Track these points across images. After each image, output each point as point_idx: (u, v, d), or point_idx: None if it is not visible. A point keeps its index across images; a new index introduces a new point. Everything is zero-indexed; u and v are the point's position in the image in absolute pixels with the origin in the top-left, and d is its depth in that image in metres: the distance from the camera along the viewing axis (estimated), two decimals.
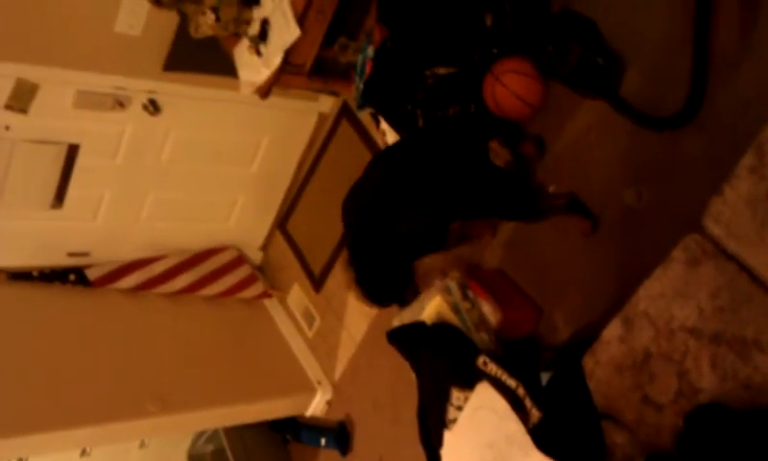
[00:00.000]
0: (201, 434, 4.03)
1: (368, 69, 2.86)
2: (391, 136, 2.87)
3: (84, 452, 3.75)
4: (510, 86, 2.55)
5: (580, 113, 2.48)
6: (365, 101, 2.94)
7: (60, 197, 3.21)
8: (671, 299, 1.82)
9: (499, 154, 2.66)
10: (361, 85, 2.90)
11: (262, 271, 3.96)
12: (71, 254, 3.45)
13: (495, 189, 2.48)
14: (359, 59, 2.90)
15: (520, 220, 2.65)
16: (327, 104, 3.56)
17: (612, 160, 2.37)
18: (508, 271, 2.64)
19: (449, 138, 2.57)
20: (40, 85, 2.85)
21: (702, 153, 2.13)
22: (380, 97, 2.88)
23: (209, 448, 4.04)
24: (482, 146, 2.56)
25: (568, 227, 2.51)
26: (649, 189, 2.24)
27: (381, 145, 3.16)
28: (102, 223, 3.42)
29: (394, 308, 2.64)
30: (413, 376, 2.49)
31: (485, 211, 2.52)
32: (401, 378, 3.10)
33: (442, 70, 2.66)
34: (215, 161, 3.52)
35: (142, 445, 3.90)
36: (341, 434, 3.45)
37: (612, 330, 1.92)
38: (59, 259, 3.44)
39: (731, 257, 1.78)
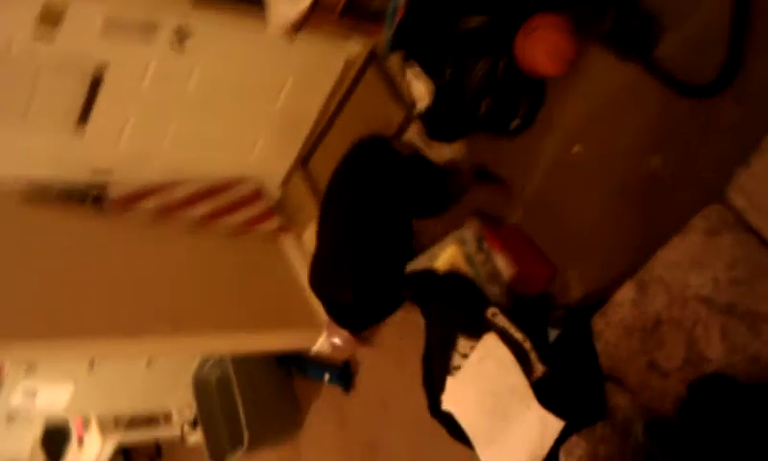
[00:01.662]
0: (207, 360, 4.10)
1: (399, 14, 2.83)
2: (416, 86, 2.85)
3: (91, 366, 3.86)
4: (542, 42, 2.51)
5: (611, 75, 2.43)
6: (395, 46, 2.91)
7: (83, 119, 3.22)
8: (687, 267, 1.82)
9: (405, 148, 2.85)
10: (392, 30, 2.87)
11: (280, 207, 3.97)
12: (92, 174, 3.47)
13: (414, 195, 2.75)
14: (391, 3, 2.86)
15: (436, 213, 2.71)
16: (355, 49, 3.52)
17: (640, 125, 2.34)
18: (526, 227, 2.64)
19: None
20: (68, 8, 2.83)
21: (732, 124, 2.10)
22: (410, 43, 2.85)
23: (215, 374, 4.11)
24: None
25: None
26: (675, 157, 2.21)
27: (406, 96, 3.14)
28: (125, 147, 3.43)
29: None
30: (421, 324, 2.52)
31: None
32: (410, 326, 3.14)
33: (475, 20, 2.63)
34: (240, 96, 3.50)
35: (149, 364, 3.99)
36: (344, 372, 3.51)
37: (626, 293, 1.92)
38: (79, 179, 3.46)
39: (751, 230, 1.77)
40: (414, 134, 3.17)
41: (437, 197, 2.79)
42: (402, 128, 3.26)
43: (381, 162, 2.81)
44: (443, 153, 3.05)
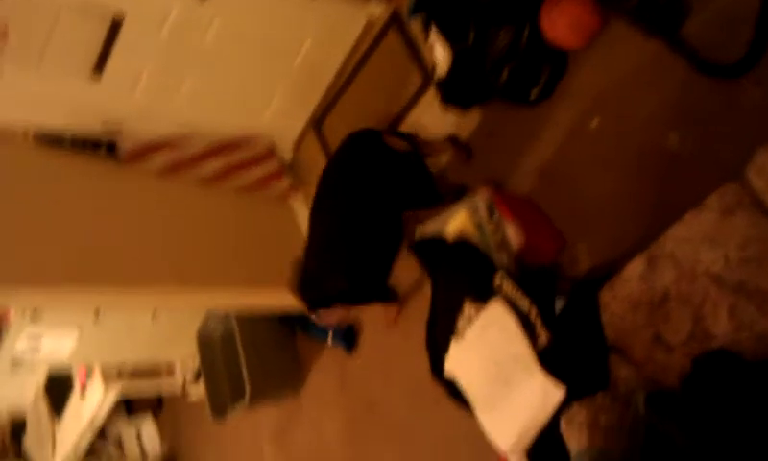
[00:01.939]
0: (212, 316, 4.13)
1: None
2: (438, 50, 2.83)
3: (96, 315, 3.88)
4: (566, 15, 2.50)
5: (635, 51, 2.41)
6: (417, 8, 2.89)
7: (100, 67, 3.21)
8: (699, 244, 1.81)
9: (397, 144, 2.84)
10: None
11: (291, 168, 3.97)
12: (105, 123, 3.47)
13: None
14: None
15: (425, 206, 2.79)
16: (377, 10, 3.49)
17: (661, 102, 2.32)
18: (538, 198, 2.64)
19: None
20: None
21: (755, 105, 2.08)
22: (434, 6, 2.83)
23: (219, 330, 4.15)
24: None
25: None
26: (694, 135, 2.20)
27: (428, 60, 3.12)
28: (140, 97, 3.42)
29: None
30: (427, 290, 2.52)
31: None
32: (415, 291, 3.15)
33: None
34: (258, 51, 3.48)
35: (154, 317, 4.01)
36: (348, 333, 3.53)
37: (635, 267, 1.92)
38: (93, 127, 3.46)
39: (767, 212, 1.76)
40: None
41: (425, 192, 2.81)
42: (419, 93, 3.25)
43: (372, 156, 2.82)
44: (443, 125, 3.06)
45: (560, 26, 2.50)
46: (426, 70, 3.21)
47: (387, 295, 3.12)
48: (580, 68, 2.58)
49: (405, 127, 3.33)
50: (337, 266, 2.85)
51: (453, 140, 3.02)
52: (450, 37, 2.72)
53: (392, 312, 3.24)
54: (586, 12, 2.46)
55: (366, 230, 2.80)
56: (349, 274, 2.84)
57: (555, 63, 2.58)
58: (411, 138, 2.94)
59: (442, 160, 3.08)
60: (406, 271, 3.21)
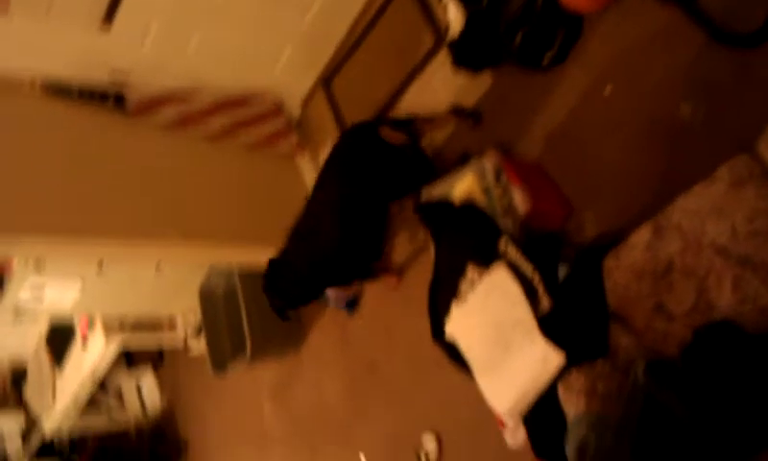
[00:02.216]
0: (214, 272, 4.14)
1: None
2: (452, 10, 2.78)
3: (100, 266, 3.89)
4: None
5: (650, 17, 2.37)
6: None
7: (109, 17, 3.17)
8: (707, 215, 1.80)
9: (393, 137, 2.79)
10: None
11: (299, 126, 3.95)
12: (113, 73, 3.44)
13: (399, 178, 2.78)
14: None
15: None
16: None
17: (674, 71, 2.29)
18: (546, 164, 2.61)
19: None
20: None
21: None
22: None
23: (221, 286, 4.16)
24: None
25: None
26: (707, 106, 2.17)
27: (440, 21, 3.08)
28: (149, 49, 3.38)
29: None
30: (430, 254, 2.52)
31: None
32: (418, 254, 3.15)
33: None
34: (268, 7, 3.43)
35: (157, 270, 4.02)
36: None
37: (641, 236, 1.91)
38: (100, 77, 3.43)
39: None
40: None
41: (422, 181, 2.80)
42: (430, 54, 3.21)
43: (367, 154, 2.80)
44: (452, 89, 3.02)
45: None
46: (439, 31, 3.16)
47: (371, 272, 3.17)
48: (594, 34, 2.54)
49: (411, 93, 3.30)
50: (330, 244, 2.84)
51: (457, 111, 2.99)
52: None
53: (391, 282, 3.24)
54: None
55: (356, 218, 2.79)
56: (339, 255, 2.86)
57: (569, 28, 2.54)
58: (409, 124, 2.89)
59: (445, 132, 3.06)
60: (406, 238, 3.22)
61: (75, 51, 3.26)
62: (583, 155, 2.51)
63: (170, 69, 3.53)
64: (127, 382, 5.40)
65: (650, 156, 2.30)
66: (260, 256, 3.30)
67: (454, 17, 2.77)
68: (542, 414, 2.01)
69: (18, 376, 5.25)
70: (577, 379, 1.88)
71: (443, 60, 3.10)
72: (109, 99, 3.42)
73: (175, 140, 3.56)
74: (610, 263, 1.97)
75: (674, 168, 2.20)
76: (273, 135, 3.83)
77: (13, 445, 5.22)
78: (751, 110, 2.03)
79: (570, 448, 1.77)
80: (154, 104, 3.51)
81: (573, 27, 2.55)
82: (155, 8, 3.22)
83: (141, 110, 3.47)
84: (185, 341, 4.72)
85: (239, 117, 3.73)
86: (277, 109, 3.89)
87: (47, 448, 5.26)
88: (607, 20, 2.49)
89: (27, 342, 4.89)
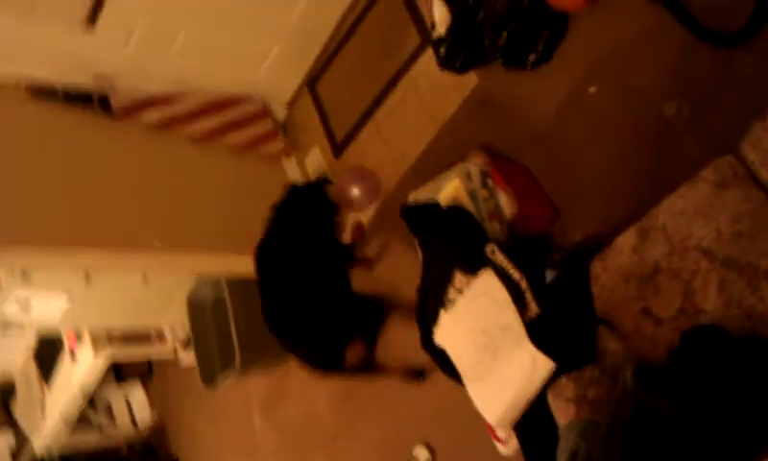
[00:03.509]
0: (203, 282, 4.10)
1: None
2: (437, 10, 2.76)
3: (87, 279, 3.84)
4: None
5: (635, 17, 2.36)
6: None
7: (93, 18, 3.14)
8: (691, 217, 1.79)
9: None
10: None
11: (285, 128, 3.92)
12: (97, 76, 3.40)
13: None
14: None
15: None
16: None
17: (658, 71, 2.28)
18: (532, 167, 2.60)
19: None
20: None
21: (753, 76, 2.04)
22: None
23: (210, 296, 4.11)
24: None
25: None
26: (691, 105, 2.16)
27: (427, 19, 3.05)
28: (133, 50, 3.35)
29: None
30: (417, 260, 2.49)
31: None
32: (405, 261, 3.12)
33: None
34: (253, 7, 3.41)
35: (145, 282, 3.98)
36: None
37: (627, 239, 1.90)
38: (85, 80, 3.39)
39: (761, 186, 1.74)
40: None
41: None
42: (416, 54, 3.19)
43: (314, 210, 2.84)
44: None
45: None
46: (424, 30, 3.14)
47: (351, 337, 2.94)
48: (579, 32, 2.53)
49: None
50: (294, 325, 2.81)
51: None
52: None
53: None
54: None
55: (312, 284, 2.76)
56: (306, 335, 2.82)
57: (554, 27, 2.52)
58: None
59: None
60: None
61: (58, 53, 3.23)
62: (568, 156, 2.50)
63: (155, 70, 3.50)
64: (116, 397, 5.31)
65: (635, 157, 2.28)
66: (247, 265, 3.27)
67: (439, 17, 2.75)
68: (534, 423, 2.00)
69: (6, 393, 5.16)
70: (566, 387, 1.87)
71: (429, 60, 3.07)
72: (94, 102, 3.38)
73: (161, 146, 3.53)
74: (596, 267, 1.95)
75: (659, 169, 2.19)
76: (259, 138, 3.80)
77: None
78: (735, 111, 2.01)
79: (561, 458, 1.75)
80: (139, 106, 3.48)
81: (558, 26, 2.53)
82: (139, 8, 3.20)
83: (127, 113, 3.43)
84: (175, 352, 4.67)
85: (225, 119, 3.70)
86: (263, 111, 3.87)
87: None
88: (592, 19, 2.48)
89: (14, 357, 4.82)
